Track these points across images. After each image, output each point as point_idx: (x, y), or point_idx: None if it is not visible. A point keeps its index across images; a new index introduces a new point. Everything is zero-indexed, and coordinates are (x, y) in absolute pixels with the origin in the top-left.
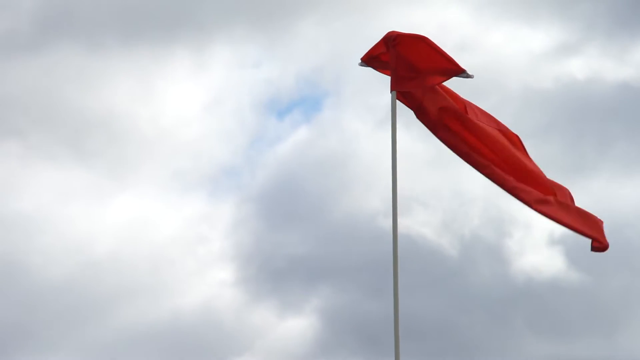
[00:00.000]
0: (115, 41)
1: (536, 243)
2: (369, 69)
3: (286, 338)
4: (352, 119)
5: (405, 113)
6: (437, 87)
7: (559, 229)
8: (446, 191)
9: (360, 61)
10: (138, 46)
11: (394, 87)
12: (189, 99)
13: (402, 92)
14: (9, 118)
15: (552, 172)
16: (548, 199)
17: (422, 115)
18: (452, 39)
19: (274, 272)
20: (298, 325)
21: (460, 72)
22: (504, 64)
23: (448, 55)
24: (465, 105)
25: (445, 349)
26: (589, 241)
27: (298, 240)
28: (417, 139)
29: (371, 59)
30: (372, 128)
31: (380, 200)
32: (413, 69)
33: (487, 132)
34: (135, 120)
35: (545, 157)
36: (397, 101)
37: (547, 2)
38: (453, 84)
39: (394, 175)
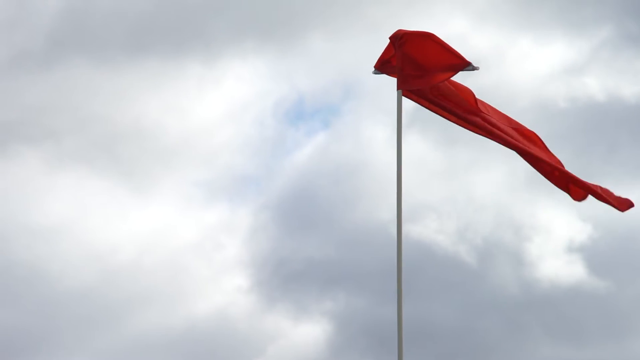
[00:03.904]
0: (126, 57)
1: (553, 249)
2: (382, 77)
3: (299, 343)
4: (368, 127)
5: (421, 122)
6: (446, 84)
7: (579, 236)
8: (461, 198)
9: (373, 69)
10: (149, 61)
11: (400, 86)
12: (206, 111)
13: (409, 90)
14: (28, 130)
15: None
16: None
17: (430, 106)
18: (462, 52)
19: (289, 277)
20: (311, 329)
21: (466, 65)
22: (513, 74)
23: (454, 50)
24: (476, 101)
25: (459, 352)
26: (604, 247)
27: (313, 246)
28: (433, 148)
29: (383, 65)
30: (389, 136)
31: (394, 207)
32: (419, 67)
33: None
34: (155, 132)
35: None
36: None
37: (548, 10)
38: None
39: (399, 175)
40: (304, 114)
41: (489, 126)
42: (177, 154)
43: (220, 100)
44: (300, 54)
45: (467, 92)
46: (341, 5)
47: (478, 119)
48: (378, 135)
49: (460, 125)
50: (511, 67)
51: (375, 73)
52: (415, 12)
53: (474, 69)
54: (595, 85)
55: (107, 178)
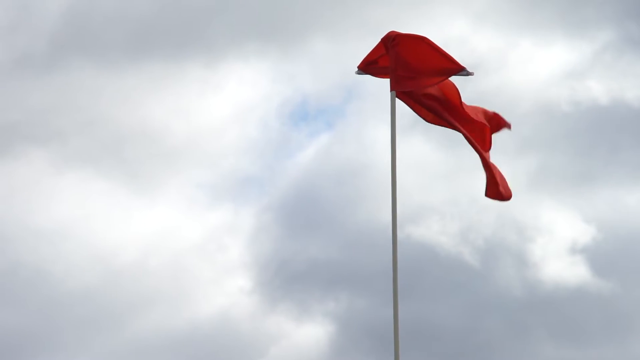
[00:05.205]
0: (128, 59)
1: (556, 250)
2: (383, 80)
3: (302, 344)
4: (370, 128)
5: (424, 124)
6: (437, 88)
7: (582, 237)
8: (463, 199)
9: (357, 69)
10: (152, 64)
11: (393, 87)
12: (209, 113)
13: (402, 91)
14: (32, 131)
15: (566, 181)
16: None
17: (420, 110)
18: (464, 56)
19: (291, 278)
20: (314, 330)
21: (460, 70)
22: (514, 77)
23: (448, 54)
24: (462, 104)
25: (463, 353)
26: (608, 249)
27: (316, 247)
28: (435, 149)
29: (368, 65)
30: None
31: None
32: (412, 69)
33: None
34: (159, 134)
35: (559, 166)
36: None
37: (549, 12)
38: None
39: (394, 174)
40: (307, 115)
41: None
42: (181, 156)
43: (223, 102)
44: (303, 56)
45: (454, 95)
46: (342, 7)
47: (459, 126)
48: (381, 136)
49: (448, 128)
50: (513, 69)
51: (358, 73)
52: (416, 15)
53: (468, 74)
54: (598, 87)
55: (112, 179)
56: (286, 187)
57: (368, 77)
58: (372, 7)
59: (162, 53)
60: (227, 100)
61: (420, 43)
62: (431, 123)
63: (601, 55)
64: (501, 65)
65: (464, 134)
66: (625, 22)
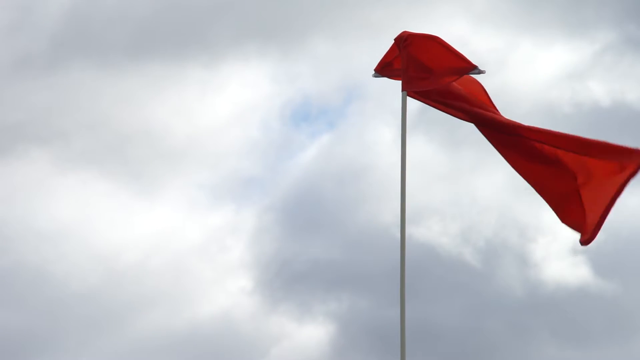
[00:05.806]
0: (129, 60)
1: (558, 251)
2: (385, 80)
3: (303, 344)
4: (372, 129)
5: (425, 124)
6: (454, 85)
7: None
8: (464, 200)
9: (373, 72)
10: (152, 64)
11: (405, 87)
12: (210, 114)
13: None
14: (34, 131)
15: None
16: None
17: (436, 106)
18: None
19: (293, 279)
20: (315, 331)
21: (472, 68)
22: (515, 78)
23: (460, 53)
24: (488, 100)
25: (464, 354)
26: (610, 249)
27: (317, 247)
28: (436, 150)
29: (384, 68)
30: (393, 138)
31: (398, 209)
32: (424, 69)
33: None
34: (161, 135)
35: None
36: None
37: (549, 12)
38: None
39: (403, 176)
40: (309, 116)
41: (500, 124)
42: (183, 157)
43: (225, 103)
44: (304, 57)
45: (478, 89)
46: (343, 8)
47: (488, 115)
48: (382, 137)
49: (468, 121)
50: (513, 70)
51: (375, 76)
52: (417, 15)
53: (480, 72)
54: (598, 89)
55: (114, 180)
56: (287, 188)
57: (369, 77)
58: (373, 8)
59: (163, 54)
60: (228, 101)
61: (432, 42)
62: (451, 115)
63: (601, 56)
64: (501, 66)
65: (491, 120)
66: (626, 22)
